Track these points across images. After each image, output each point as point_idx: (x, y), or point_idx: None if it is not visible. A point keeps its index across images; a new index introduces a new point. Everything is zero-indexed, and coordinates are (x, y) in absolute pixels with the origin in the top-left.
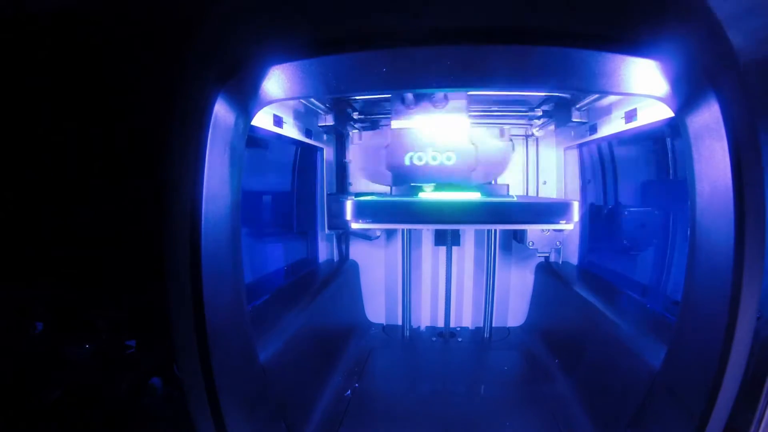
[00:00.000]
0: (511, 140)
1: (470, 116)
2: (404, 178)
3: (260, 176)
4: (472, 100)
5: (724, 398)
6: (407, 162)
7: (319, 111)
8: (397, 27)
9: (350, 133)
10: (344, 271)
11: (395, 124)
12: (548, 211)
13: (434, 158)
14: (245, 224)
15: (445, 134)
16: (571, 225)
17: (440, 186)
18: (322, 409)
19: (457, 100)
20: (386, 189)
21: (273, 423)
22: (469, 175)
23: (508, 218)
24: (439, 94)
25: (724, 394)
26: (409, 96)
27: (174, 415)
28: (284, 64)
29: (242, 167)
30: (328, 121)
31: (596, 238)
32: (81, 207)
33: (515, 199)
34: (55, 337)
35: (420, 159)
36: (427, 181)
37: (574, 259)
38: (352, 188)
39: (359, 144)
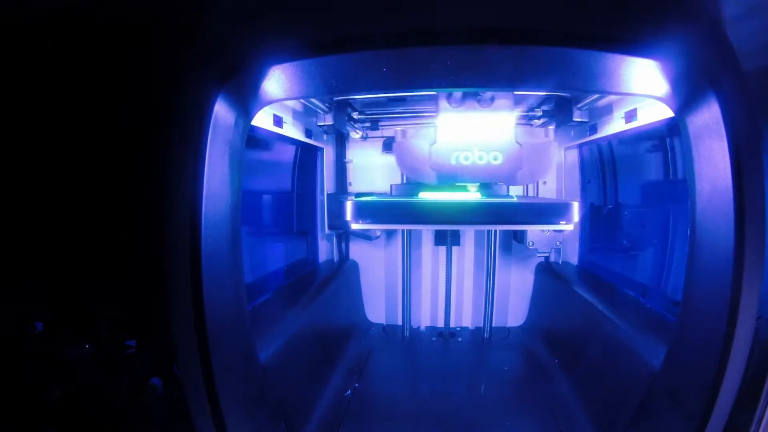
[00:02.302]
0: (555, 140)
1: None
2: (450, 177)
3: (260, 176)
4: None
5: (724, 398)
6: (453, 161)
7: (318, 110)
8: (397, 27)
9: (350, 132)
10: (344, 271)
11: (440, 122)
12: (548, 212)
13: (480, 158)
14: (245, 224)
15: (491, 133)
16: (571, 226)
17: (484, 186)
18: (322, 409)
19: (503, 98)
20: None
21: (273, 423)
22: (515, 176)
23: (508, 219)
24: (487, 93)
25: (724, 395)
26: (457, 94)
27: (174, 415)
28: (284, 64)
29: (242, 167)
30: (327, 120)
31: (596, 238)
32: (81, 207)
33: (515, 199)
34: (55, 337)
35: (467, 158)
36: (473, 181)
37: (574, 259)
38: (352, 188)
39: (403, 142)
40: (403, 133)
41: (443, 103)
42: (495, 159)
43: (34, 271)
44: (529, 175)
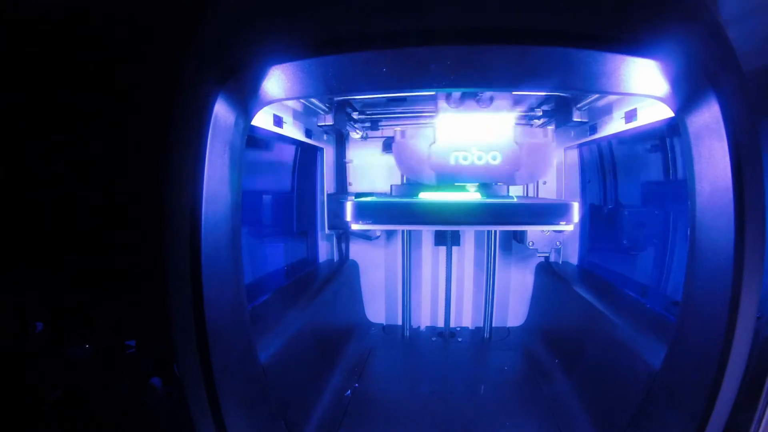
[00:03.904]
0: (554, 140)
1: (517, 115)
2: (449, 177)
3: (260, 176)
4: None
5: (724, 398)
6: (453, 161)
7: (319, 111)
8: (397, 27)
9: (350, 132)
10: (344, 271)
11: (439, 122)
12: (548, 212)
13: (479, 158)
14: (245, 224)
15: (489, 133)
16: (570, 226)
17: (483, 186)
18: (322, 409)
19: (502, 99)
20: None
21: (273, 423)
22: (514, 176)
23: (508, 219)
24: (486, 93)
25: (724, 394)
26: (456, 94)
27: (174, 415)
28: (284, 64)
29: (242, 167)
30: (328, 120)
31: (596, 238)
32: (81, 207)
33: (515, 199)
34: (55, 337)
35: (465, 159)
36: (472, 181)
37: (574, 259)
38: (352, 188)
39: (402, 142)
40: (402, 133)
41: (442, 103)
42: (494, 159)
43: (35, 271)
44: (528, 175)
